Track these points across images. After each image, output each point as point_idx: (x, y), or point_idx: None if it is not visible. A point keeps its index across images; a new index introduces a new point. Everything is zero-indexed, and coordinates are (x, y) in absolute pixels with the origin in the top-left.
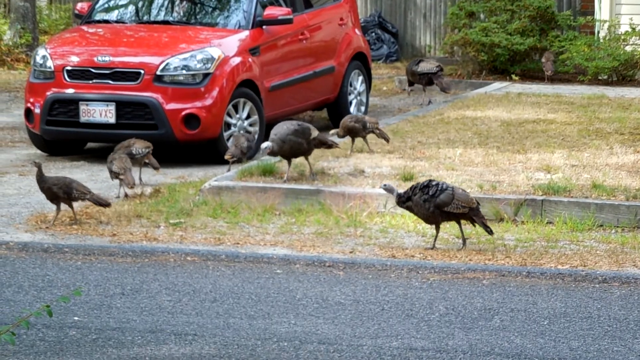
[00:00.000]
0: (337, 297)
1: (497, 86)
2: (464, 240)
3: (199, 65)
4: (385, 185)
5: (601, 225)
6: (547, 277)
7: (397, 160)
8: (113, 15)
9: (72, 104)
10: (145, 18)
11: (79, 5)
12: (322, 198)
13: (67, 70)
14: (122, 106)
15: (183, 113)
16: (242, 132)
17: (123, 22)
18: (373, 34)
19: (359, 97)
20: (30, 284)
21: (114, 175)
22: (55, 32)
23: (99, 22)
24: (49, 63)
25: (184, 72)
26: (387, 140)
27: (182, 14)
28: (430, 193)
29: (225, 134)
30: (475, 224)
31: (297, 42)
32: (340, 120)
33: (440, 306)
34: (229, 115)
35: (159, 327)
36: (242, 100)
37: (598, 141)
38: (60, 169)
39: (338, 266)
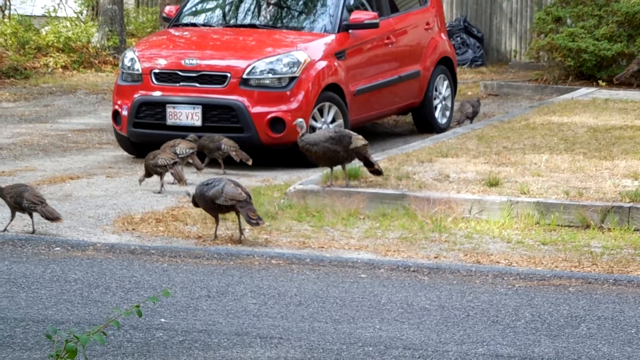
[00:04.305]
0: (422, 303)
1: (583, 92)
2: (241, 230)
3: (285, 69)
4: (187, 191)
5: None
6: (635, 285)
7: (482, 165)
8: (200, 19)
9: (159, 106)
10: (232, 22)
11: (167, 9)
12: (407, 203)
13: (155, 73)
14: (208, 109)
15: (269, 116)
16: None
17: (210, 26)
18: (458, 38)
19: (444, 102)
20: (118, 285)
21: (160, 168)
22: (142, 35)
23: (186, 25)
24: (137, 66)
25: (270, 75)
26: (249, 161)
27: (268, 17)
28: (204, 189)
29: None
30: (240, 216)
31: (382, 46)
32: (425, 125)
33: (526, 313)
34: (314, 119)
35: (245, 330)
36: (327, 104)
37: None
38: None
39: (423, 271)
